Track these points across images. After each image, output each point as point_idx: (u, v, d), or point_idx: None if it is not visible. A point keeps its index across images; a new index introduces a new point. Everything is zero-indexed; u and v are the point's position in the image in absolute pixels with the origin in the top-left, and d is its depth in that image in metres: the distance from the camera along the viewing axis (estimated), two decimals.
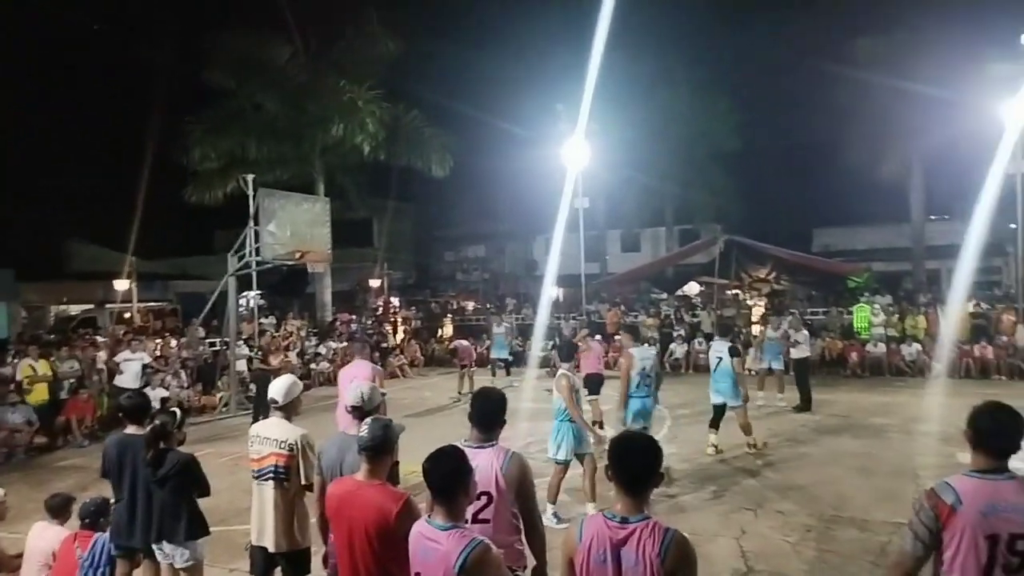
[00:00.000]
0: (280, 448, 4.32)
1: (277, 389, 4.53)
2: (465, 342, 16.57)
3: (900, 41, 22.63)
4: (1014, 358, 16.13)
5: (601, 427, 10.62)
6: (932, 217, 27.97)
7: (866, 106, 24.08)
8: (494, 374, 17.16)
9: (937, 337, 17.14)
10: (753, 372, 13.94)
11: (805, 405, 12.57)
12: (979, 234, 17.98)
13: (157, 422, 4.79)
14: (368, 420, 3.38)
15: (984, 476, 2.79)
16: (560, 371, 7.19)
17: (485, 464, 3.39)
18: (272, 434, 4.41)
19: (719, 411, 9.72)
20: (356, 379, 9.39)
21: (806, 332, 13.65)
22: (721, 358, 9.50)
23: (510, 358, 18.39)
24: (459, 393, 15.08)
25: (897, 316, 18.77)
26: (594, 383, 10.96)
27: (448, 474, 2.79)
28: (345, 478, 3.43)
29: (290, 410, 4.53)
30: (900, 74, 21.92)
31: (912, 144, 24.11)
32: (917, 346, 17.14)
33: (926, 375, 16.42)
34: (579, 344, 10.92)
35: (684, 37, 28.26)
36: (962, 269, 17.97)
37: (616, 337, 20.10)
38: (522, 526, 3.50)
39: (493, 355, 18.03)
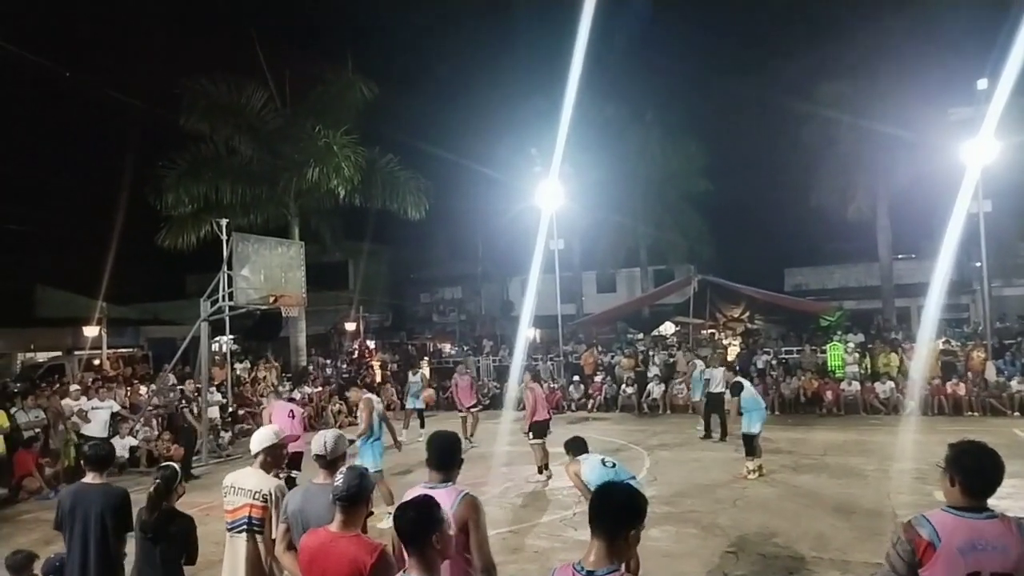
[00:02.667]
0: (255, 499, 4.21)
1: (258, 439, 4.44)
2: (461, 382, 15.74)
3: (864, 86, 23.39)
4: (985, 394, 16.34)
5: (546, 469, 10.71)
6: (900, 256, 28.57)
7: (833, 148, 24.77)
8: (407, 426, 15.56)
9: (909, 374, 17.37)
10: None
11: (720, 436, 13.92)
12: (945, 272, 18.39)
13: (159, 480, 4.50)
14: (343, 469, 3.31)
15: (963, 514, 2.80)
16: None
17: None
18: (247, 484, 4.30)
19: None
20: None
21: (719, 371, 14.79)
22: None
23: (422, 406, 16.51)
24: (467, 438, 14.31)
25: (863, 354, 18.98)
26: (539, 427, 10.89)
27: (417, 522, 2.70)
28: (319, 529, 3.33)
29: (267, 460, 4.41)
30: (865, 117, 22.64)
31: (878, 184, 24.76)
32: (891, 384, 17.31)
33: (900, 413, 16.56)
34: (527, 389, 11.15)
35: (653, 81, 29.06)
36: (930, 307, 18.31)
37: (596, 378, 20.19)
38: (476, 567, 3.43)
39: (408, 405, 16.48)
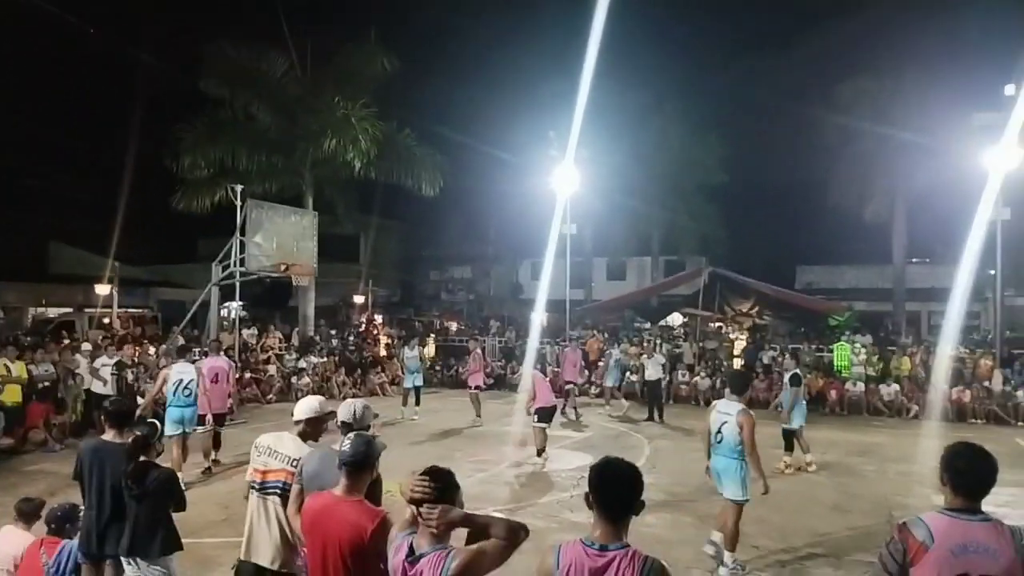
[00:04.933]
0: (291, 466, 4.14)
1: (302, 408, 4.39)
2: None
3: (888, 85, 23.16)
4: (990, 402, 16.28)
5: (543, 452, 10.83)
6: (913, 260, 28.39)
7: (852, 148, 24.57)
8: (405, 403, 15.32)
9: (919, 379, 17.32)
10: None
11: (658, 419, 15.31)
12: (965, 279, 18.23)
13: (138, 433, 4.66)
14: (350, 435, 3.34)
15: (958, 515, 2.82)
16: (739, 407, 6.42)
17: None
18: (285, 450, 4.24)
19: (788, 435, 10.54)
20: (217, 371, 10.41)
21: (660, 358, 16.38)
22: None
23: (420, 383, 15.77)
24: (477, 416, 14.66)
25: (877, 356, 18.92)
26: (546, 413, 10.94)
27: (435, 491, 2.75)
28: (323, 492, 3.37)
29: (307, 430, 4.35)
30: (887, 119, 22.42)
31: (896, 187, 24.55)
32: (896, 386, 17.27)
33: (904, 416, 16.55)
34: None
35: (675, 69, 28.89)
36: (951, 313, 18.19)
37: (599, 363, 20.19)
38: None
39: (406, 384, 15.65)
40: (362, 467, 3.24)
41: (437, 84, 28.48)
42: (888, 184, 24.43)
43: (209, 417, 10.25)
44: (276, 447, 4.29)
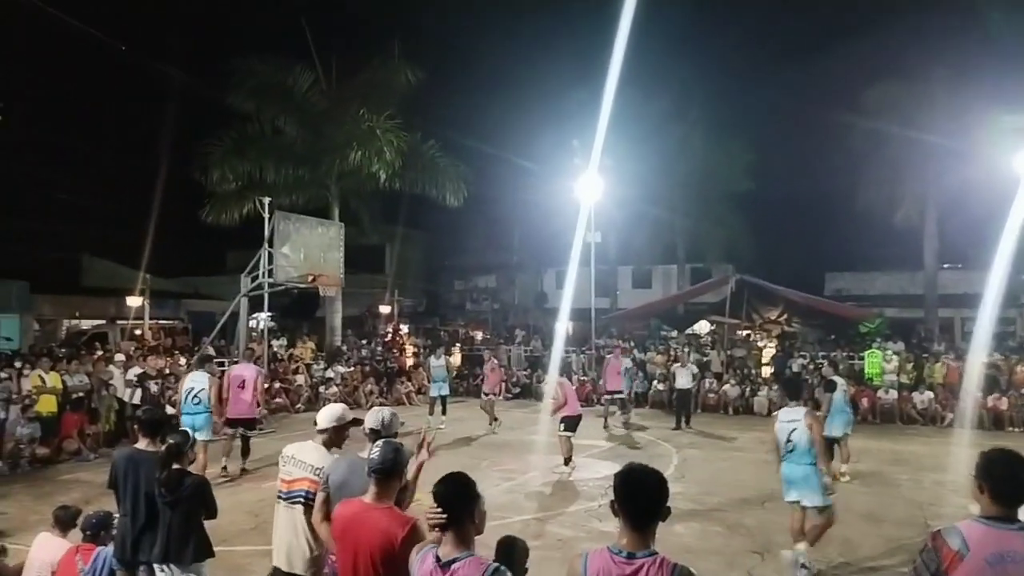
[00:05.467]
0: (314, 475, 4.19)
1: (325, 416, 4.44)
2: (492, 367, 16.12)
3: (917, 89, 22.82)
4: None
5: (571, 461, 10.77)
6: (945, 265, 27.89)
7: (881, 152, 24.23)
8: (431, 413, 15.41)
9: (954, 386, 17.00)
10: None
11: (686, 425, 15.34)
12: (998, 284, 17.88)
13: (171, 442, 4.73)
14: (379, 442, 3.37)
15: (994, 524, 2.76)
16: (804, 410, 6.56)
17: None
18: (308, 459, 4.31)
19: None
20: (243, 379, 10.59)
21: (692, 367, 16.61)
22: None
23: (447, 393, 15.78)
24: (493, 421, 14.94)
25: (911, 364, 18.60)
26: (572, 422, 10.93)
27: (456, 496, 2.79)
28: (353, 499, 3.40)
29: (331, 438, 4.41)
30: (916, 123, 22.08)
31: (927, 191, 24.18)
32: (929, 394, 16.97)
33: (938, 424, 16.26)
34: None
35: (700, 76, 28.58)
36: (983, 318, 17.84)
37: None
38: None
39: (432, 393, 15.76)
40: (391, 474, 3.27)
41: (461, 95, 28.68)
42: (919, 188, 24.07)
43: (223, 423, 10.55)
44: (299, 456, 4.36)
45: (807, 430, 6.33)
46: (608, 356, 17.03)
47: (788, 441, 6.45)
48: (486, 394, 15.31)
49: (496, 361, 16.69)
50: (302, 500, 4.23)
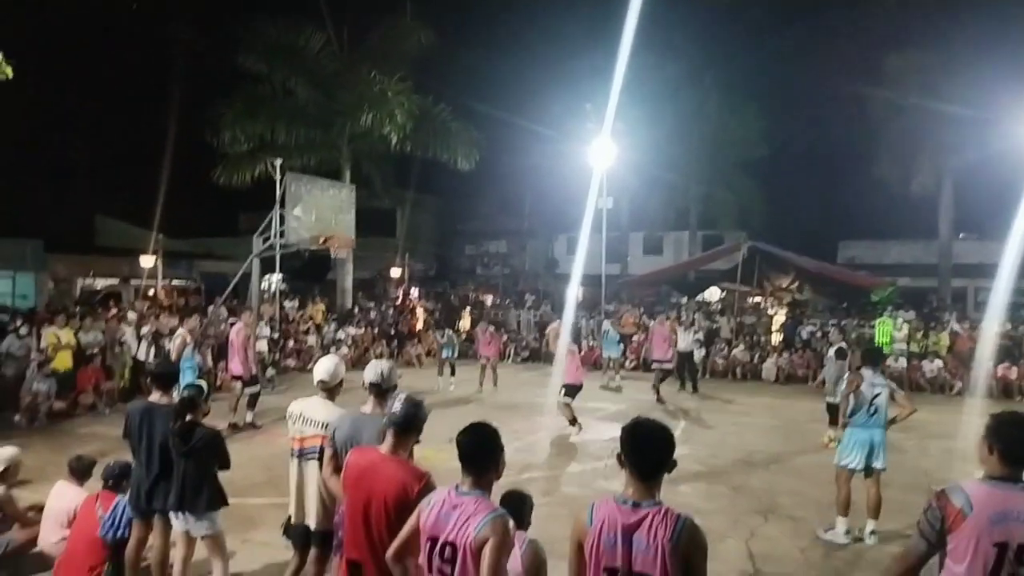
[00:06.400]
0: (326, 431, 4.26)
1: (323, 369, 4.55)
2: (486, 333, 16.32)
3: (935, 58, 22.38)
4: None
5: (576, 422, 10.89)
6: (961, 235, 27.60)
7: (899, 121, 23.87)
8: (441, 373, 15.83)
9: (964, 356, 16.96)
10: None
11: (691, 390, 15.39)
12: (1015, 254, 17.73)
13: (185, 394, 4.85)
14: (401, 397, 3.43)
15: (998, 484, 2.80)
16: (885, 380, 7.02)
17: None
18: (317, 416, 4.40)
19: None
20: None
21: (691, 332, 16.23)
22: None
23: (455, 355, 16.19)
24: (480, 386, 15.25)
25: (921, 332, 18.55)
26: (573, 390, 11.01)
27: (480, 445, 2.89)
28: (367, 448, 3.48)
29: (335, 391, 4.57)
30: (935, 91, 21.70)
31: (944, 160, 23.85)
32: (939, 362, 16.94)
33: (947, 392, 16.26)
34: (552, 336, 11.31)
35: (713, 40, 28.01)
36: (999, 288, 17.72)
37: (633, 338, 20.13)
38: None
39: (443, 355, 16.09)
40: (409, 429, 3.36)
41: (473, 58, 28.27)
42: (936, 157, 23.73)
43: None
44: (307, 413, 4.47)
45: (888, 399, 6.80)
46: (652, 323, 16.91)
47: (871, 405, 6.81)
48: (484, 358, 15.45)
49: (492, 329, 16.53)
50: (316, 456, 4.34)
